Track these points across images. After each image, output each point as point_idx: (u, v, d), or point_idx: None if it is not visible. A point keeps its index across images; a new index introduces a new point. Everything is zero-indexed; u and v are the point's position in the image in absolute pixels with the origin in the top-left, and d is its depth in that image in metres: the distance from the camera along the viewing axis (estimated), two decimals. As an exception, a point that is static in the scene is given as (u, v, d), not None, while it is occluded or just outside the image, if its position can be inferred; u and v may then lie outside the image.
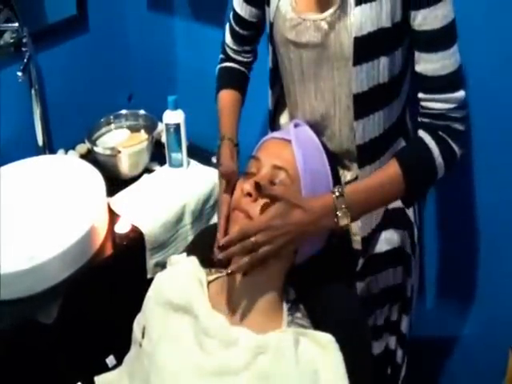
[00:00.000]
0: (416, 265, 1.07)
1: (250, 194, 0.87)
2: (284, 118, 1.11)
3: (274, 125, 1.12)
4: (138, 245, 1.36)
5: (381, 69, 0.87)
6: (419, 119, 0.89)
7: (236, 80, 1.12)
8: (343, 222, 0.83)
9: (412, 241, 1.05)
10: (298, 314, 0.88)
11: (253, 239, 0.81)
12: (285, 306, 0.89)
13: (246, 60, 1.13)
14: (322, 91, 0.96)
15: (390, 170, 0.87)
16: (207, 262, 0.98)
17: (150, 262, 1.40)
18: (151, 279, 1.00)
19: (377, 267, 1.05)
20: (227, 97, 1.10)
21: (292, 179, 0.89)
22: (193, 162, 1.58)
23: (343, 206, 0.83)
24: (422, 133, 0.87)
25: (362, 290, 1.05)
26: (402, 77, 0.92)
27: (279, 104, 1.11)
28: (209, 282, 0.95)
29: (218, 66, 1.15)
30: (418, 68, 0.86)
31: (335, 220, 0.83)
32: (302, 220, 0.82)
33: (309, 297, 0.91)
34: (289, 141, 0.92)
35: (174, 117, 1.49)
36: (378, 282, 1.06)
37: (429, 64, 0.84)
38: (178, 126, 1.49)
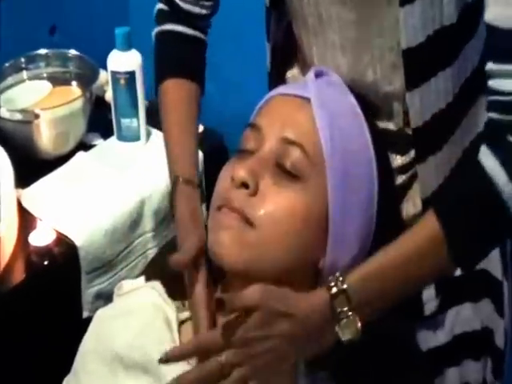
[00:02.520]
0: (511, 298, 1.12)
1: (245, 185, 0.89)
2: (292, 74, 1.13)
3: (275, 84, 1.11)
4: (68, 265, 1.38)
5: (444, 3, 0.88)
6: (485, 116, 0.88)
7: (190, 61, 1.11)
8: (346, 335, 0.85)
9: (504, 260, 1.09)
10: None
11: (220, 359, 0.83)
12: None
13: (204, 13, 1.11)
14: (352, 45, 0.97)
15: (422, 232, 0.86)
16: (179, 291, 1.00)
17: (88, 291, 1.43)
18: (89, 319, 1.02)
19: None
20: (177, 98, 1.10)
21: (311, 160, 0.91)
22: (155, 134, 1.60)
23: (346, 309, 0.84)
24: (482, 152, 0.85)
25: (428, 337, 1.09)
26: (478, 5, 0.88)
27: (283, 57, 1.12)
28: (181, 322, 0.97)
29: (156, 30, 1.13)
30: (488, 15, 0.84)
31: (336, 331, 0.84)
32: (291, 331, 0.84)
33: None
34: (307, 99, 0.94)
35: (125, 61, 1.51)
36: (454, 325, 1.10)
37: (502, 7, 0.82)
38: (131, 75, 1.52)
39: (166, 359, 0.86)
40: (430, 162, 0.99)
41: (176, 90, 1.11)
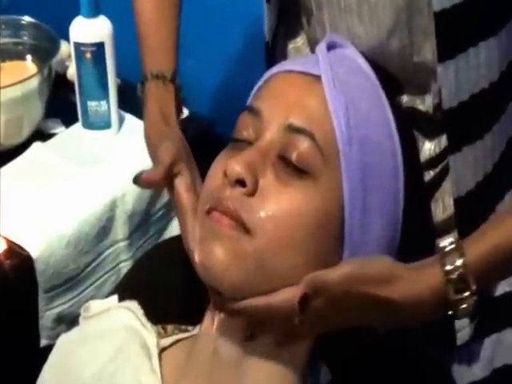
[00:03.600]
0: None
1: (241, 182, 0.89)
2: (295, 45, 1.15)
3: (274, 59, 1.15)
4: (23, 281, 1.40)
5: None
6: None
7: None
8: (461, 315, 0.88)
9: None
10: None
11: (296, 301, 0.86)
12: None
13: None
14: (371, 8, 0.98)
15: None
16: (159, 312, 1.02)
17: (47, 314, 1.44)
18: (48, 348, 1.04)
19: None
20: (152, 7, 1.16)
21: (322, 152, 0.91)
22: (129, 120, 1.63)
23: (465, 296, 0.86)
24: None
25: (462, 372, 1.11)
26: None
27: (286, 24, 1.13)
28: (162, 350, 0.99)
29: None
30: None
31: (449, 309, 0.87)
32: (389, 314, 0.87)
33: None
34: (317, 77, 0.95)
35: (91, 30, 1.52)
36: (494, 357, 1.12)
37: None
38: (99, 48, 1.53)
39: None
40: (466, 153, 0.99)
41: None
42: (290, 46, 1.14)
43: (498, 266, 0.87)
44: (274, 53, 1.14)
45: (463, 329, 1.07)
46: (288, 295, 0.87)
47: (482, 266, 0.86)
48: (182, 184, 0.99)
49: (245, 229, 0.88)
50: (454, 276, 0.85)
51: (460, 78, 0.96)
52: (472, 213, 1.02)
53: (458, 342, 1.08)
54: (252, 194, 0.89)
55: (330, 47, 0.99)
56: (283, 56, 1.14)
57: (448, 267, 0.85)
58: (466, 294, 0.85)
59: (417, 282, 0.87)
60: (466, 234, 0.91)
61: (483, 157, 1.00)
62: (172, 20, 1.16)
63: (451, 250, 0.86)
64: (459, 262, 0.85)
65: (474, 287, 0.85)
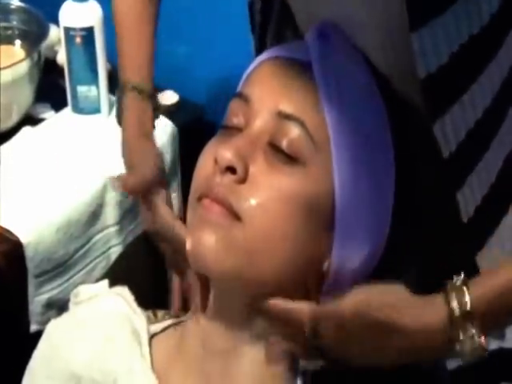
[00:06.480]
0: None
1: (232, 169, 0.89)
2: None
3: (263, 47, 1.13)
4: (12, 267, 1.40)
5: None
6: None
7: None
8: (466, 347, 0.86)
9: None
10: None
11: (312, 321, 0.87)
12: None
13: None
14: None
15: None
16: (149, 297, 1.02)
17: (36, 299, 1.44)
18: (37, 334, 1.04)
19: None
20: (129, 9, 1.16)
21: (313, 139, 0.90)
22: (119, 105, 1.63)
23: (470, 334, 0.85)
24: None
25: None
26: None
27: (278, 9, 1.11)
28: (152, 336, 0.99)
29: None
30: None
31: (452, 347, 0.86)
32: (397, 345, 0.87)
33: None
34: (307, 64, 0.94)
35: (81, 14, 1.52)
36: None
37: None
38: (89, 32, 1.53)
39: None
40: (447, 121, 0.95)
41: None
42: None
43: (503, 309, 0.87)
44: (267, 37, 1.14)
45: None
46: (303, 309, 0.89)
47: (488, 306, 0.86)
48: (160, 198, 0.99)
49: (235, 216, 0.88)
50: (457, 313, 0.85)
51: (434, 42, 0.92)
52: None
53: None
54: (242, 181, 0.89)
55: (321, 33, 0.99)
56: (276, 41, 1.13)
57: (453, 303, 0.86)
58: (469, 331, 0.85)
59: (426, 308, 0.88)
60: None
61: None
62: (151, 22, 1.16)
63: (458, 285, 0.87)
64: (465, 299, 0.86)
65: (477, 324, 0.85)
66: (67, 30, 1.52)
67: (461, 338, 0.85)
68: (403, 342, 0.87)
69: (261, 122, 0.92)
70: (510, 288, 0.87)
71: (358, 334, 0.87)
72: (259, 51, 1.13)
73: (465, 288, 0.86)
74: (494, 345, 1.10)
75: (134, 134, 1.02)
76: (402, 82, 0.97)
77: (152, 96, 1.07)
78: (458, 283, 0.86)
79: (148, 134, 1.02)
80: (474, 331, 0.85)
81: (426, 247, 1.02)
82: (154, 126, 1.08)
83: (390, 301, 0.87)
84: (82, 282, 1.43)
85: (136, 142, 1.01)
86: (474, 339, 0.85)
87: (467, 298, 0.85)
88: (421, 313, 0.87)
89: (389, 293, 0.88)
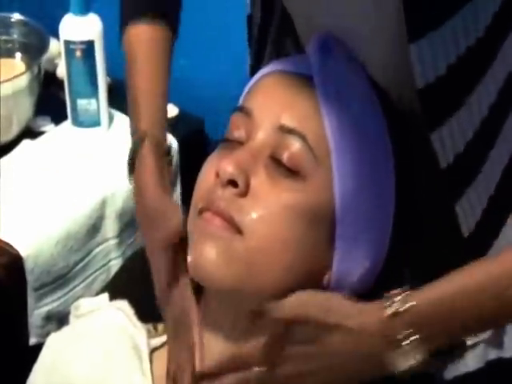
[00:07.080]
0: None
1: (233, 183, 0.89)
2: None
3: (260, 63, 1.12)
4: (12, 280, 1.40)
5: None
6: None
7: None
8: (403, 362, 0.85)
9: None
10: None
11: (261, 371, 0.87)
12: None
13: None
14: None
15: (502, 259, 0.87)
16: (150, 311, 1.02)
17: (36, 312, 1.44)
18: (37, 347, 1.03)
19: None
20: (143, 45, 1.14)
21: (314, 153, 0.90)
22: (119, 118, 1.63)
23: (406, 333, 0.84)
24: None
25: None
26: None
27: (278, 21, 1.11)
28: (153, 350, 0.99)
29: None
30: None
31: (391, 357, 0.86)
32: (344, 347, 0.87)
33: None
34: (308, 78, 0.94)
35: (81, 28, 1.53)
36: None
37: None
38: (89, 46, 1.53)
39: (201, 376, 0.89)
40: (443, 133, 0.95)
41: (145, 34, 1.15)
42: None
43: (443, 315, 0.87)
44: (261, 60, 1.15)
45: None
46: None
47: (427, 309, 0.86)
48: (185, 282, 0.98)
49: (236, 229, 0.88)
50: (395, 308, 0.85)
51: (432, 54, 0.92)
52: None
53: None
54: (244, 194, 0.89)
55: (322, 45, 0.99)
56: (276, 55, 1.14)
57: (390, 302, 0.85)
58: (405, 331, 0.85)
59: (362, 308, 0.88)
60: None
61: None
62: (166, 68, 1.14)
63: (400, 291, 0.87)
64: (402, 300, 0.85)
65: (415, 328, 0.85)
66: (67, 43, 1.54)
67: (397, 337, 0.85)
68: (345, 346, 0.87)
69: (262, 135, 0.92)
70: (452, 293, 0.87)
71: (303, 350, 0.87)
72: (256, 63, 1.13)
73: (407, 292, 0.86)
74: (492, 354, 1.11)
75: (156, 191, 1.02)
76: (400, 93, 0.98)
77: (168, 151, 1.08)
78: (401, 290, 0.86)
79: (167, 189, 1.02)
80: (408, 332, 0.84)
81: (425, 259, 1.02)
82: (170, 181, 1.08)
83: (330, 304, 0.87)
84: (82, 295, 1.43)
85: (157, 198, 1.01)
86: (410, 344, 0.85)
87: (406, 298, 0.85)
88: (359, 312, 0.87)
89: (329, 298, 0.89)
